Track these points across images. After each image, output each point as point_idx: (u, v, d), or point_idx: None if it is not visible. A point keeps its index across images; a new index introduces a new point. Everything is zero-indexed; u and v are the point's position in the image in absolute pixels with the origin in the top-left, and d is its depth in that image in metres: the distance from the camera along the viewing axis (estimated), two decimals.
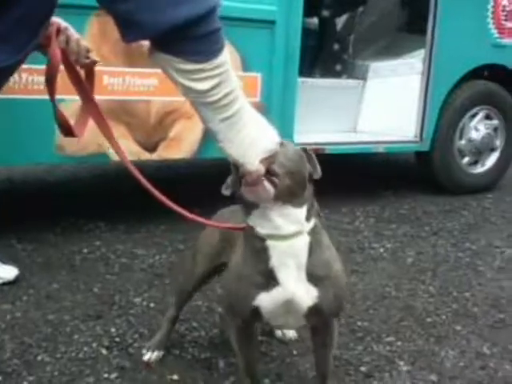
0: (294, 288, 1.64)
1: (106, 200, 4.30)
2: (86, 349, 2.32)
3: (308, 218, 1.64)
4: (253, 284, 1.66)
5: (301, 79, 4.04)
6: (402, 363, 2.29)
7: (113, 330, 2.47)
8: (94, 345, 2.35)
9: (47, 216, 3.79)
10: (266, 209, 1.56)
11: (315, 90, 4.47)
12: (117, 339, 2.40)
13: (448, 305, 2.81)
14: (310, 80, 4.53)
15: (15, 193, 4.39)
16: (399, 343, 2.44)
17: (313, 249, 1.64)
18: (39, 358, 2.25)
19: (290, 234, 1.60)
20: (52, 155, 3.34)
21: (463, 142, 4.74)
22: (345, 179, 5.05)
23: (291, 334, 2.42)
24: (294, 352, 2.33)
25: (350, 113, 4.77)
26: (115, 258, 3.23)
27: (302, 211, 1.62)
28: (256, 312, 1.69)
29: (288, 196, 1.56)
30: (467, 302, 2.85)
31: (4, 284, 2.82)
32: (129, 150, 3.46)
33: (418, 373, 2.23)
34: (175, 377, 2.15)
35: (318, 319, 1.75)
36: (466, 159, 4.79)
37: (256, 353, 1.96)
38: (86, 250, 3.31)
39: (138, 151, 3.49)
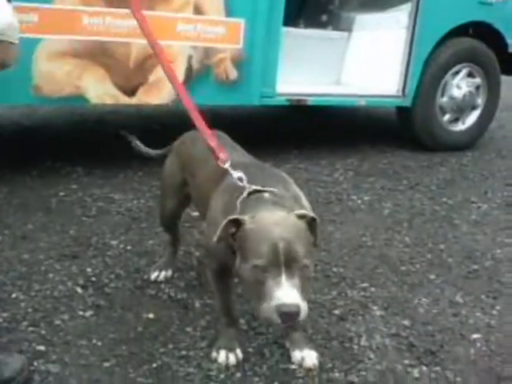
0: None
1: (84, 146, 4.23)
2: (61, 287, 2.32)
3: None
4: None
5: (285, 28, 3.98)
6: (375, 308, 2.32)
7: (89, 270, 2.47)
8: (70, 284, 2.35)
9: (23, 159, 3.73)
10: None
11: (299, 40, 4.42)
12: (93, 279, 2.40)
13: (423, 255, 2.84)
14: (294, 30, 4.46)
15: None
16: (373, 289, 2.47)
17: None
18: (13, 295, 2.24)
19: None
20: (29, 96, 3.26)
21: (445, 99, 4.73)
22: (325, 132, 5.04)
23: None
24: None
25: (334, 64, 4.73)
26: (92, 202, 3.20)
27: None
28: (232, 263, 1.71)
29: None
30: (442, 252, 2.89)
31: None
32: (107, 93, 3.40)
33: (391, 318, 2.26)
34: (151, 315, 2.16)
35: None
36: (447, 116, 4.79)
37: (232, 292, 1.98)
38: (62, 193, 3.28)
39: (116, 94, 3.42)
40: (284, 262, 1.49)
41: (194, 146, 2.15)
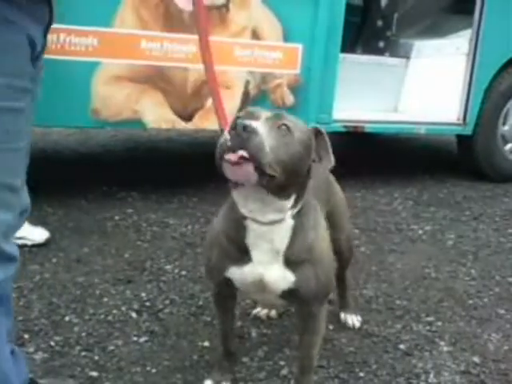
0: (266, 269, 1.53)
1: (139, 172, 4.22)
2: (115, 312, 2.26)
3: (295, 204, 1.49)
4: (226, 255, 1.58)
5: (342, 55, 3.91)
6: (442, 343, 2.19)
7: (143, 294, 2.41)
8: (124, 308, 2.29)
9: (79, 184, 3.73)
10: (246, 190, 1.42)
11: (356, 67, 4.33)
12: (147, 304, 2.34)
13: (490, 288, 2.69)
14: (351, 56, 4.39)
15: (47, 161, 4.35)
16: (439, 323, 2.33)
17: (295, 233, 1.51)
18: (67, 318, 2.20)
19: (268, 222, 1.47)
20: (87, 120, 3.27)
21: (507, 127, 4.56)
22: (382, 161, 4.92)
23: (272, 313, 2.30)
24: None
25: (392, 91, 4.62)
26: (147, 226, 3.16)
27: (287, 202, 1.47)
28: (229, 282, 1.61)
29: (277, 190, 1.41)
30: (510, 286, 2.73)
31: (33, 246, 2.77)
32: (164, 117, 3.39)
33: (460, 354, 2.12)
34: (206, 343, 2.08)
35: (300, 302, 1.64)
36: (509, 146, 4.62)
37: (233, 321, 1.87)
38: (117, 217, 3.26)
39: (173, 119, 3.40)
40: (263, 116, 1.39)
41: None
